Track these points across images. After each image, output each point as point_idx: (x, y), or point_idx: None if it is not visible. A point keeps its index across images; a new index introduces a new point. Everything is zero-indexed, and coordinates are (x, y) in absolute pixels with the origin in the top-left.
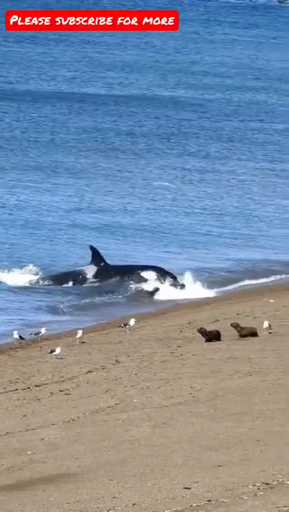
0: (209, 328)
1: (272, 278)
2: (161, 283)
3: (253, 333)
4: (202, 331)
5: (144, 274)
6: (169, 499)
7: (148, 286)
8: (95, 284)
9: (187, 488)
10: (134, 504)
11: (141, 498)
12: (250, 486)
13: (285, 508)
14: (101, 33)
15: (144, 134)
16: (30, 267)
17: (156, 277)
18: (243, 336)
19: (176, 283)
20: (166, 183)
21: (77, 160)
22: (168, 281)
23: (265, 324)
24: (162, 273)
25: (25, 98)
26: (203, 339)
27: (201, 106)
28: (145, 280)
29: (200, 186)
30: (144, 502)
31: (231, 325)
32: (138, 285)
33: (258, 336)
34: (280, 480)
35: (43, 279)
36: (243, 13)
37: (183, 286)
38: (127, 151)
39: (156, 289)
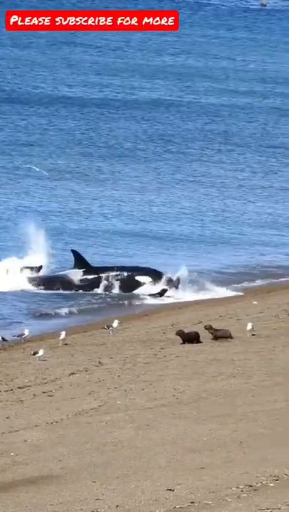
0: (189, 329)
1: (257, 281)
2: (153, 284)
3: (227, 336)
4: (180, 333)
5: (136, 275)
6: (152, 501)
7: (155, 288)
8: (79, 287)
9: (170, 489)
10: (117, 506)
11: (124, 500)
12: (233, 488)
13: (268, 510)
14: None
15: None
16: (17, 269)
17: (150, 279)
18: (216, 338)
19: (169, 284)
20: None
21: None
22: (160, 281)
23: (249, 326)
24: (153, 274)
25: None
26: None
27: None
28: (136, 281)
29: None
30: (127, 504)
31: (205, 327)
32: (135, 286)
33: (232, 338)
34: (264, 482)
35: (29, 281)
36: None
37: (176, 284)
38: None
39: (164, 290)
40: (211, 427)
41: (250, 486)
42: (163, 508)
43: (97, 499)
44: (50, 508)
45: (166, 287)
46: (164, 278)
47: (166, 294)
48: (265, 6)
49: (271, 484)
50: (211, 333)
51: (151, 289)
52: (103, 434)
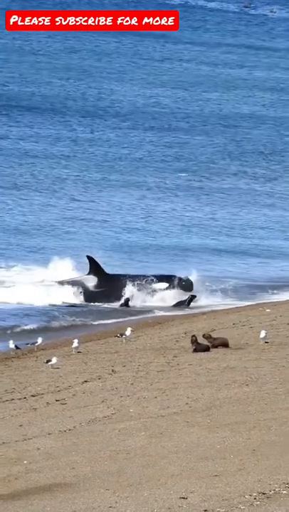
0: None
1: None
2: (169, 289)
3: (225, 344)
4: (207, 337)
5: (153, 282)
6: (166, 509)
7: (179, 297)
8: (93, 294)
9: (183, 497)
10: None
11: (137, 508)
12: (246, 496)
13: None
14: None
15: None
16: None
17: (166, 285)
18: (215, 346)
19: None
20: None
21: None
22: (178, 287)
23: (262, 334)
24: (172, 281)
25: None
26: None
27: None
28: (152, 288)
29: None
30: (140, 511)
31: (203, 336)
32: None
33: (229, 347)
34: (277, 490)
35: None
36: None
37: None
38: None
39: (193, 297)
40: (224, 434)
41: (264, 494)
42: None
43: (111, 507)
44: None
45: (194, 295)
46: (178, 282)
47: (194, 301)
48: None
49: (284, 492)
50: (210, 342)
51: (176, 297)
52: (116, 442)
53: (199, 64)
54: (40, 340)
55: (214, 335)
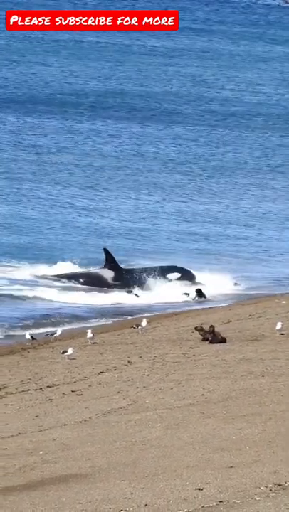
0: (217, 329)
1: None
2: (182, 280)
3: (218, 338)
4: (199, 329)
5: (168, 274)
6: (181, 500)
7: (189, 289)
8: (108, 286)
9: (199, 489)
10: (146, 505)
11: (153, 499)
12: (262, 487)
13: None
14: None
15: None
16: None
17: (178, 277)
18: (206, 340)
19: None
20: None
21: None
22: (191, 281)
23: (278, 325)
24: (184, 272)
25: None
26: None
27: None
28: (165, 279)
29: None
30: (156, 503)
31: (195, 328)
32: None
33: (225, 342)
34: None
35: (60, 277)
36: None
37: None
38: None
39: (200, 291)
40: (240, 426)
41: (279, 485)
42: (191, 507)
43: (126, 498)
44: (79, 507)
45: (200, 287)
46: (191, 276)
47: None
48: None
49: None
50: (202, 335)
51: (185, 289)
52: (132, 433)
53: None
54: (59, 331)
55: (205, 327)
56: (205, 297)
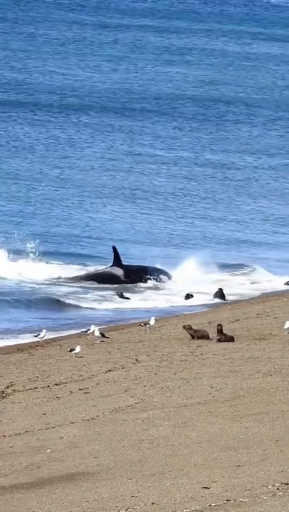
0: (225, 328)
1: None
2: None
3: (205, 336)
4: (187, 327)
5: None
6: (188, 498)
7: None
8: (120, 283)
9: (206, 487)
10: (152, 503)
11: (160, 498)
12: (269, 486)
13: None
14: None
15: None
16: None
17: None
18: (194, 338)
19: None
20: None
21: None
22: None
23: (286, 324)
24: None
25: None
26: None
27: None
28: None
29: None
30: (162, 501)
31: (184, 327)
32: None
33: (210, 339)
34: None
35: (69, 277)
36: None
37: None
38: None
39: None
40: (248, 425)
41: (287, 484)
42: (198, 505)
43: (133, 496)
44: (86, 505)
45: (190, 293)
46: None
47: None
48: None
49: None
50: (190, 334)
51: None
52: (139, 432)
53: None
54: (97, 331)
55: (205, 326)
56: (224, 299)
